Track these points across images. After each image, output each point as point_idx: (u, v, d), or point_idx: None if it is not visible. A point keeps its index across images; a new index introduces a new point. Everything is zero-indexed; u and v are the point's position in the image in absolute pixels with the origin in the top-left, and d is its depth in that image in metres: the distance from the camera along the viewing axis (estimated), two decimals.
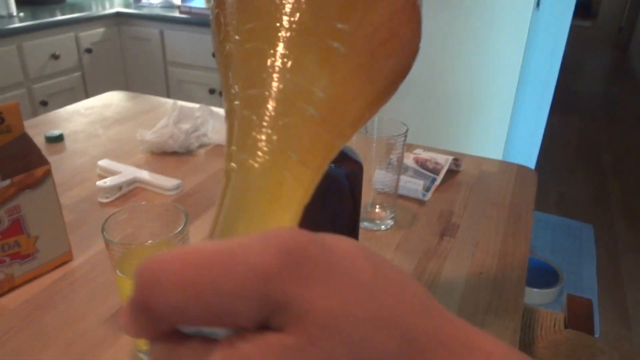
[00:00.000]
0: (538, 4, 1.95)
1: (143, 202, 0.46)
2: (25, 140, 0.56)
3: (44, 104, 2.12)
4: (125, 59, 2.47)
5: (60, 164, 0.82)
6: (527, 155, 2.44)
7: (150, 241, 0.42)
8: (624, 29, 6.25)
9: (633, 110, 3.93)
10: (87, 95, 2.32)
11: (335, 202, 0.49)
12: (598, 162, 3.03)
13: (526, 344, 0.76)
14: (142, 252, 0.40)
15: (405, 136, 0.62)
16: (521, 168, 0.83)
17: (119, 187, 0.72)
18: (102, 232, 0.40)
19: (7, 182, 0.52)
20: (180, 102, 0.93)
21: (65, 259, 0.60)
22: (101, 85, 2.38)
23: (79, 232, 0.65)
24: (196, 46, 2.25)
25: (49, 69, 2.11)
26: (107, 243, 0.40)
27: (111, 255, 0.41)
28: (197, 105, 0.90)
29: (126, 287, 0.42)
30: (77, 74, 2.25)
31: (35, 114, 2.09)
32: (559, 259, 2.05)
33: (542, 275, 1.86)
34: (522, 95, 2.37)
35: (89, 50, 2.26)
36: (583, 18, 7.56)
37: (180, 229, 0.42)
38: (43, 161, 0.55)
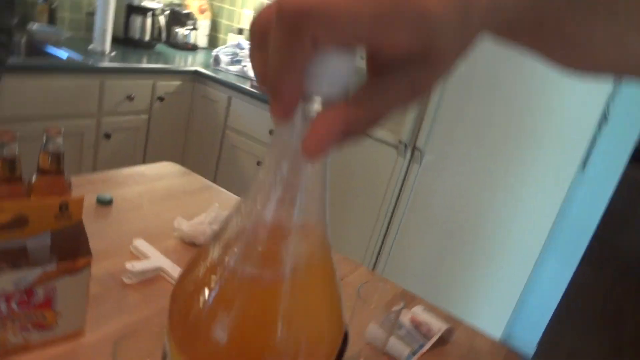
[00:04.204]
0: (584, 165, 2.01)
1: (154, 320, 0.53)
2: (79, 228, 0.66)
3: (107, 136, 2.30)
4: (191, 112, 2.66)
5: (103, 230, 0.92)
6: (546, 304, 2.41)
7: None
8: None
9: None
10: (147, 137, 2.50)
11: None
12: (617, 328, 2.95)
13: None
14: None
15: (401, 310, 0.68)
16: (509, 355, 0.87)
17: (143, 272, 0.80)
18: (113, 356, 0.47)
19: (53, 266, 0.61)
20: (219, 208, 1.02)
21: (78, 334, 0.67)
22: (163, 131, 2.56)
23: (98, 308, 0.73)
24: (256, 119, 2.41)
25: (121, 107, 2.30)
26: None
27: None
28: None
29: None
30: (145, 116, 2.44)
31: (97, 144, 2.27)
32: None
33: None
34: (552, 241, 2.38)
35: (161, 99, 2.46)
36: None
37: None
38: (87, 252, 0.64)
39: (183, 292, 0.30)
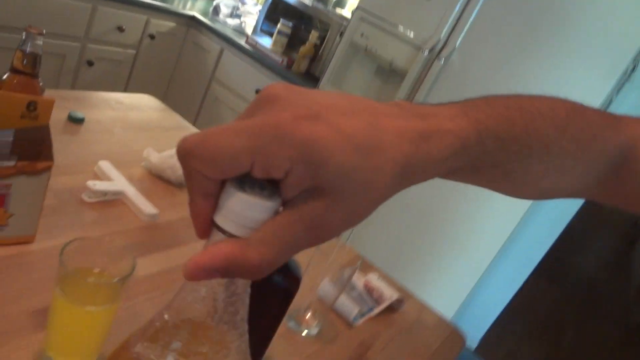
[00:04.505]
0: None
1: (107, 238, 0.52)
2: (45, 131, 0.64)
3: (90, 63, 2.23)
4: (179, 57, 2.60)
5: (69, 146, 0.89)
6: (492, 306, 2.48)
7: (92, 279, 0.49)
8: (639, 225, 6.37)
9: (617, 307, 3.97)
10: (131, 72, 2.44)
11: (261, 305, 0.55)
12: (556, 339, 3.06)
13: None
14: (85, 286, 0.46)
15: (356, 270, 0.68)
16: (454, 333, 0.89)
17: (104, 193, 0.79)
18: (60, 254, 0.46)
19: (12, 163, 0.59)
20: None
21: (27, 241, 0.66)
22: (148, 69, 2.49)
23: (51, 218, 0.71)
24: (244, 76, 2.37)
25: (109, 36, 2.23)
26: (61, 263, 0.46)
27: (59, 272, 0.47)
28: None
29: (59, 307, 0.47)
30: (132, 51, 2.38)
31: (78, 69, 2.20)
32: None
33: None
34: (509, 247, 2.44)
35: (152, 36, 2.39)
36: None
37: (124, 276, 0.48)
38: (49, 157, 0.62)
39: None
